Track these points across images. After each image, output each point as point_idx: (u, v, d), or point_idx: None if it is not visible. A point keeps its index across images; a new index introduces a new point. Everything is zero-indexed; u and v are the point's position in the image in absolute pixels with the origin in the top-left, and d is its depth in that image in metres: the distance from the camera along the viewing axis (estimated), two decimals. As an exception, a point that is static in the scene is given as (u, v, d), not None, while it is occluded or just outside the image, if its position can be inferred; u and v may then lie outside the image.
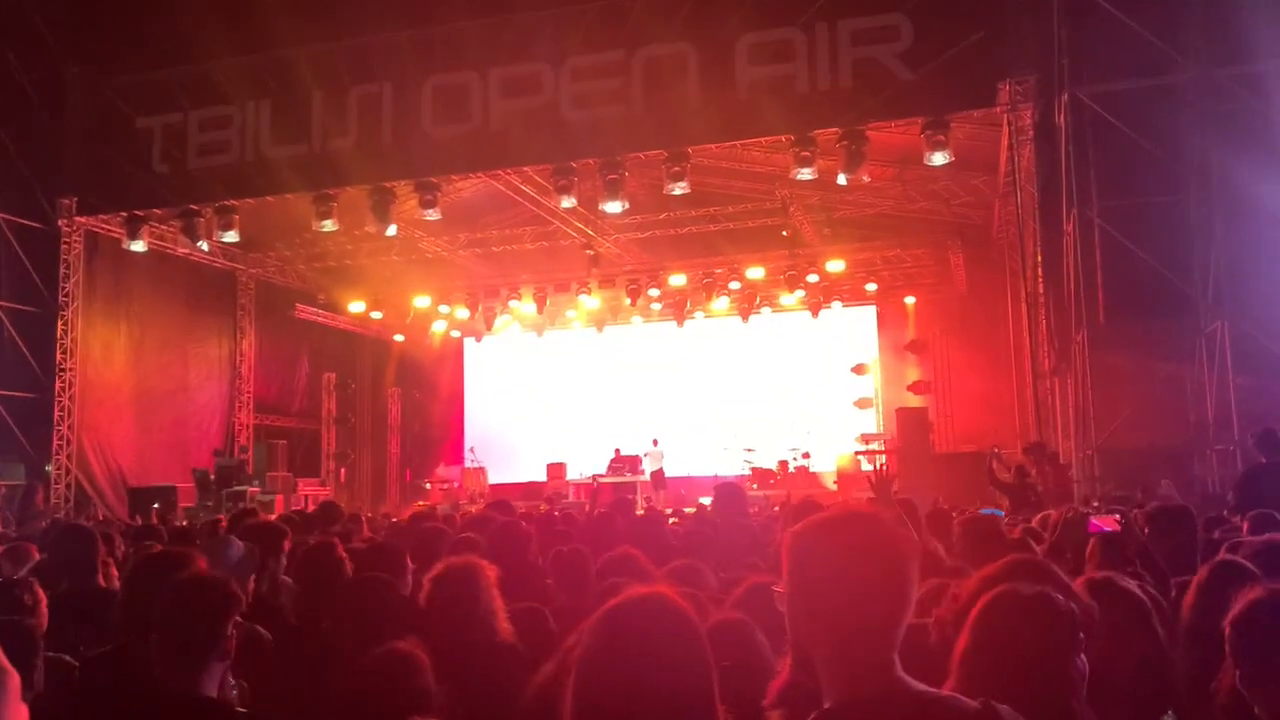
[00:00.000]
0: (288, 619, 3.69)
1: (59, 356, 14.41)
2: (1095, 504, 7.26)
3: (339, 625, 3.21)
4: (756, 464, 18.52)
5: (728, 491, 5.99)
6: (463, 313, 20.13)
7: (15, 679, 0.76)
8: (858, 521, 1.62)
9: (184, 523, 10.27)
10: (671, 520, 7.74)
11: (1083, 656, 1.84)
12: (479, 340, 21.83)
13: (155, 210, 14.29)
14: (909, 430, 16.65)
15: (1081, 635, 1.85)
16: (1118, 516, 3.16)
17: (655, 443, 18.51)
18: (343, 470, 20.73)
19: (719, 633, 2.06)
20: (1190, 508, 3.98)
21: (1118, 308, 10.65)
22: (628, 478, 17.85)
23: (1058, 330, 12.07)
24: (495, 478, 19.96)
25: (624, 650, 1.54)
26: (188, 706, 2.48)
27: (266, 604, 3.77)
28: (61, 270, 14.48)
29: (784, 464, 18.54)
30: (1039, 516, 4.95)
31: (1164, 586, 2.92)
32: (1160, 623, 2.33)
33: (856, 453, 18.34)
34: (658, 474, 18.01)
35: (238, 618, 2.64)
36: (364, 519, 8.10)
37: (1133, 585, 2.39)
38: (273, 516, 7.23)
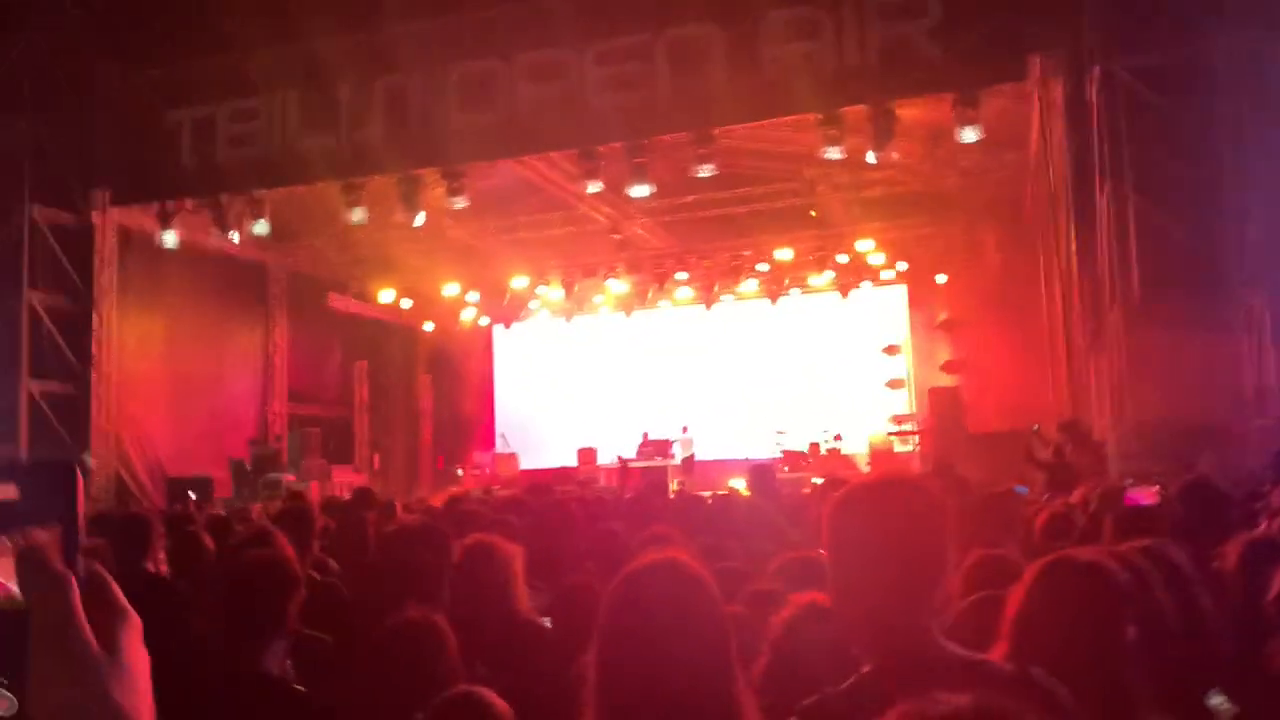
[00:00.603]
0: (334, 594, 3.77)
1: (94, 349, 14.62)
2: (1130, 480, 7.22)
3: (367, 594, 3.28)
4: (788, 446, 18.50)
5: (759, 473, 6.03)
6: (492, 299, 20.23)
7: (138, 622, 0.80)
8: (895, 488, 1.65)
9: (220, 511, 10.44)
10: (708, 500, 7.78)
11: (1132, 626, 1.85)
12: (508, 327, 21.94)
13: (186, 202, 14.45)
14: (942, 410, 16.60)
15: (1130, 604, 1.86)
16: (1156, 489, 3.15)
17: (684, 429, 18.55)
18: (376, 457, 20.91)
19: (755, 601, 2.09)
20: (1218, 483, 3.96)
21: (1153, 283, 10.52)
22: (657, 462, 17.90)
23: (1092, 307, 11.95)
24: (526, 463, 20.07)
25: (641, 612, 1.58)
26: (251, 682, 2.55)
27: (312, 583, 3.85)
28: (96, 263, 14.68)
29: (815, 446, 18.51)
30: (1077, 494, 4.94)
31: (1200, 560, 2.91)
32: (1203, 595, 2.34)
33: (889, 433, 18.31)
34: (688, 460, 18.06)
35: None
36: (398, 505, 8.20)
37: (1179, 554, 2.39)
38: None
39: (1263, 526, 3.00)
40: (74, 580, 0.77)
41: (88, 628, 0.76)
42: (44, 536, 0.78)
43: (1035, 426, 10.74)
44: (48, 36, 14.46)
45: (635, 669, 1.55)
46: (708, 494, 10.39)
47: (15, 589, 0.77)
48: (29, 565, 0.76)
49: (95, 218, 14.62)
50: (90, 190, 14.56)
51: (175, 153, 13.92)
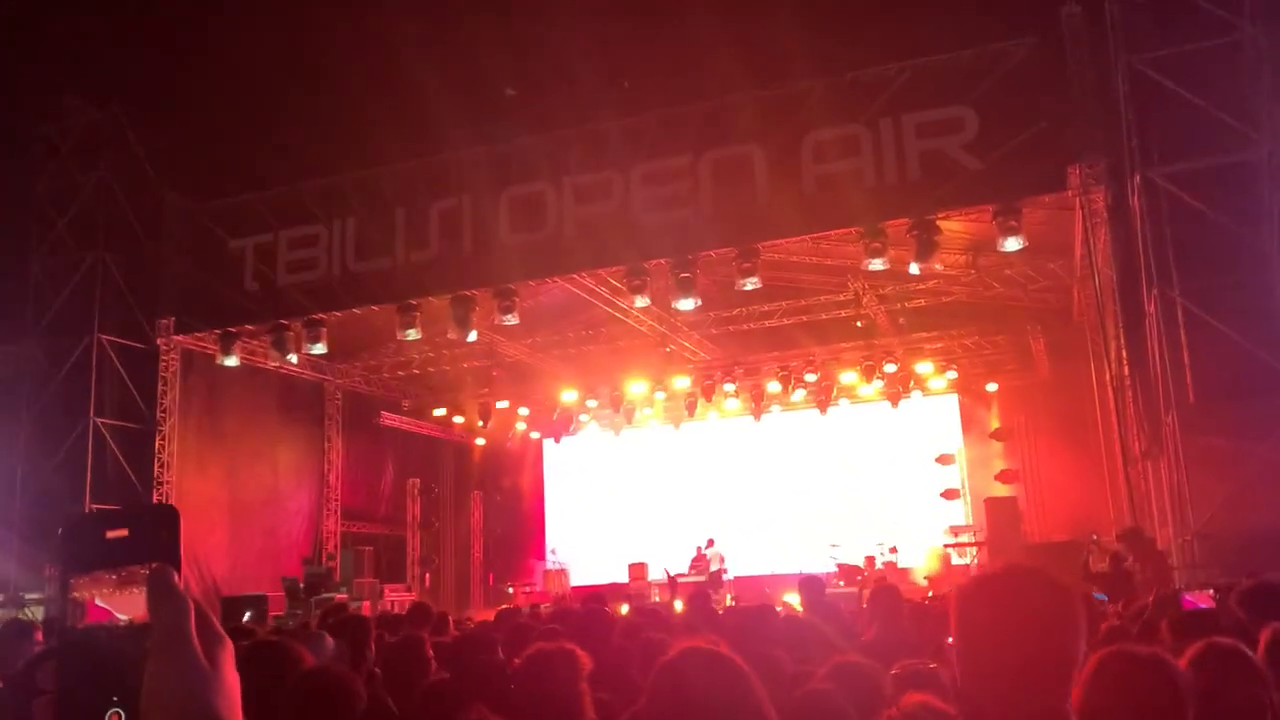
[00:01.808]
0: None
1: (157, 470, 14.95)
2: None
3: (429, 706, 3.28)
4: (842, 559, 18.19)
5: (810, 585, 5.96)
6: (542, 414, 20.41)
7: (231, 646, 0.91)
8: (1022, 575, 1.69)
9: (273, 629, 10.45)
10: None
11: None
12: (558, 442, 22.05)
13: (247, 326, 14.88)
14: (999, 521, 16.28)
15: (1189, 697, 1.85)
16: (1211, 593, 3.11)
17: (710, 543, 18.24)
18: (427, 575, 20.89)
19: (808, 700, 2.10)
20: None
21: (1207, 388, 10.40)
22: (707, 577, 17.64)
23: (1146, 413, 11.81)
24: (577, 579, 19.91)
25: (681, 698, 1.60)
26: None
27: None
28: (160, 387, 15.13)
29: (870, 559, 18.17)
30: (1137, 604, 4.83)
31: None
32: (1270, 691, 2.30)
33: (946, 545, 17.95)
34: (716, 575, 17.72)
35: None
36: (450, 619, 8.17)
37: (1240, 646, 2.36)
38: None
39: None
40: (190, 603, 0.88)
41: (198, 645, 0.87)
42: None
43: (1094, 536, 10.50)
44: (117, 174, 15.26)
45: None
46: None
47: (120, 617, 0.89)
48: (159, 584, 0.87)
49: (160, 344, 15.12)
50: (156, 318, 15.10)
51: (237, 279, 14.44)
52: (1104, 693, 1.87)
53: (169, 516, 0.93)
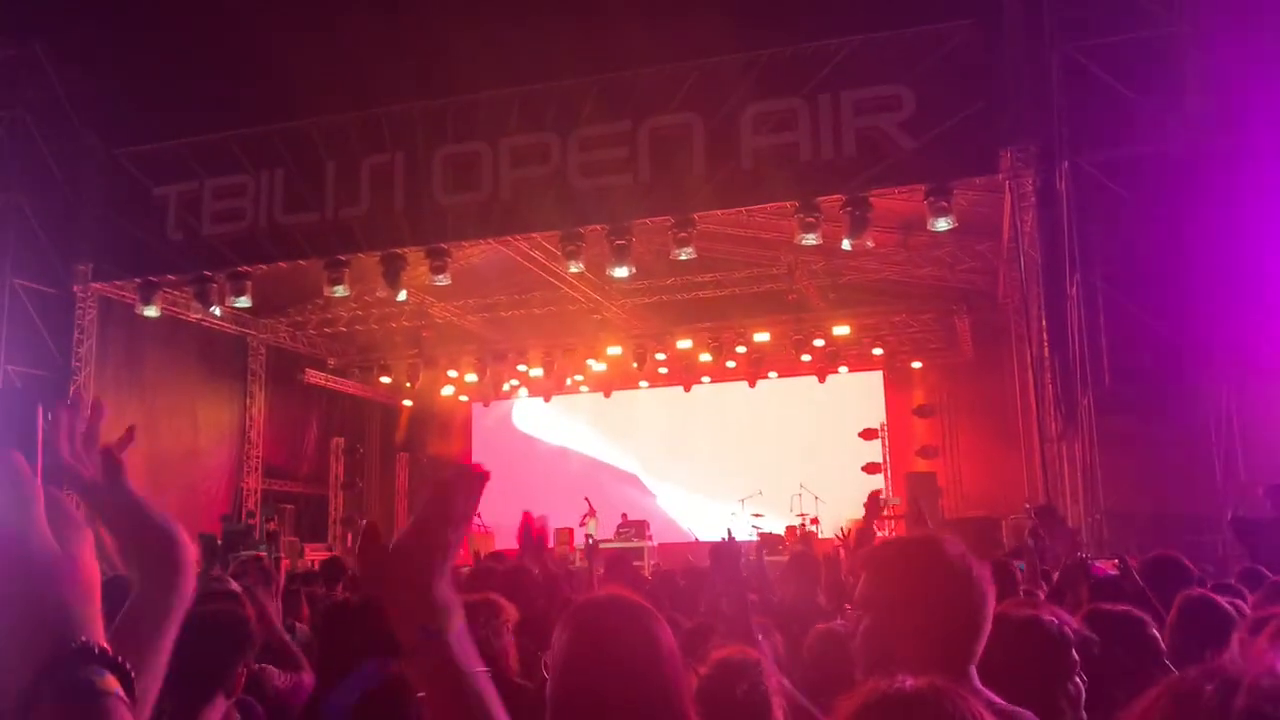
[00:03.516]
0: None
1: (70, 421, 14.50)
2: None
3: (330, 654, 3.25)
4: (764, 529, 18.42)
5: (721, 551, 6.00)
6: (471, 378, 20.25)
7: (89, 534, 0.93)
8: (930, 544, 1.71)
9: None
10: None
11: (1078, 678, 1.89)
12: (486, 406, 21.92)
13: (169, 276, 14.49)
14: (918, 495, 16.60)
15: (1076, 657, 1.91)
16: (1116, 561, 3.22)
17: (588, 502, 18.11)
18: (349, 535, 20.67)
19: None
20: (1182, 557, 4.02)
21: (1123, 372, 10.69)
22: (634, 543, 17.75)
23: (1064, 394, 12.12)
24: (502, 543, 19.87)
25: (588, 644, 1.61)
26: None
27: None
28: (76, 335, 14.67)
29: (792, 530, 18.43)
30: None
31: (1161, 627, 2.95)
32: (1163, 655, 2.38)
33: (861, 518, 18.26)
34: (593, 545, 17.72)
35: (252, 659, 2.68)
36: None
37: (1129, 608, 2.45)
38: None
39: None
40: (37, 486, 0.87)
41: (46, 527, 0.87)
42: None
43: (1025, 506, 10.83)
44: (35, 112, 14.66)
45: (585, 702, 1.57)
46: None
47: None
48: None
49: (76, 290, 14.64)
50: (73, 264, 14.61)
51: (160, 228, 14.03)
52: (996, 652, 1.93)
53: (24, 397, 0.93)
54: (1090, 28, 11.04)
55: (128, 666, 0.86)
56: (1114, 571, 3.08)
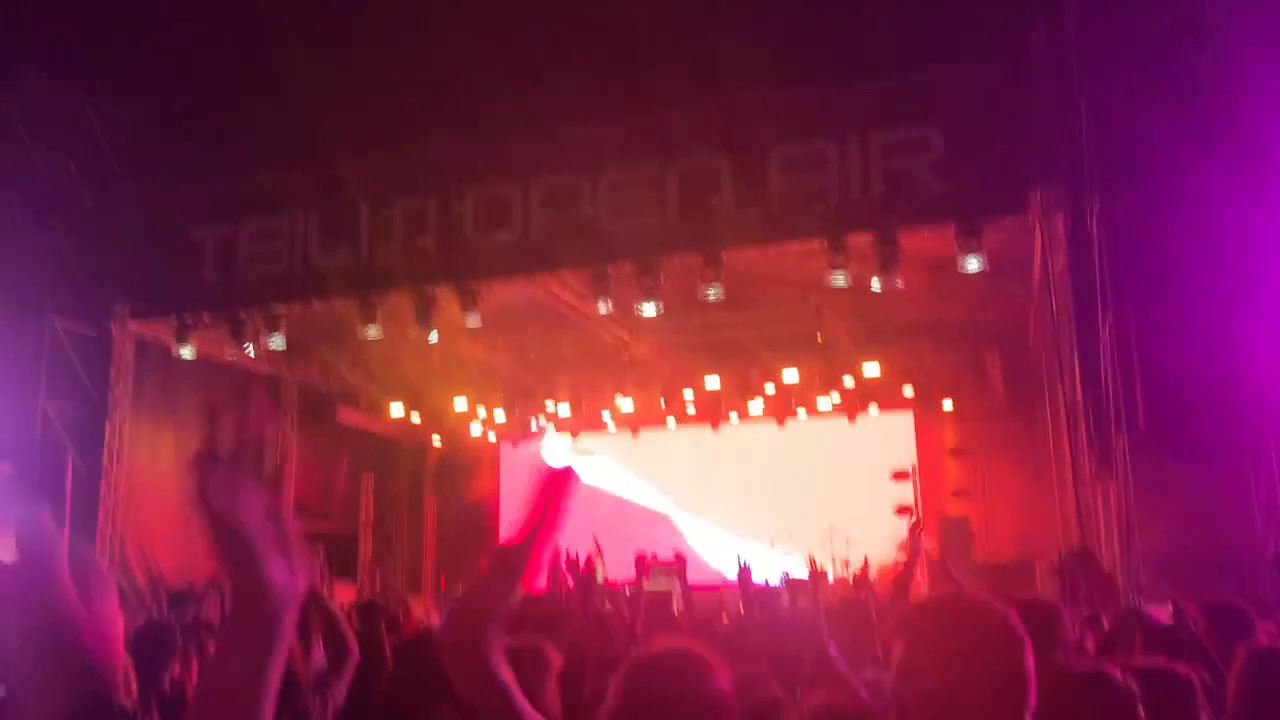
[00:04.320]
0: None
1: (105, 460, 14.62)
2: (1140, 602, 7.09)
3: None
4: (792, 573, 18.19)
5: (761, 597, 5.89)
6: (499, 417, 20.27)
7: (113, 587, 0.98)
8: (981, 612, 1.63)
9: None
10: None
11: None
12: (515, 445, 21.89)
13: (204, 316, 14.64)
14: (950, 539, 16.38)
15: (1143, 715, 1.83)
16: (1170, 608, 3.11)
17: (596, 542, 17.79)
18: (377, 574, 20.64)
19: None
20: (1245, 606, 3.88)
21: (1158, 412, 10.52)
22: (662, 585, 17.57)
23: (1098, 435, 11.93)
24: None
25: (647, 695, 1.56)
26: None
27: None
28: (112, 374, 14.81)
29: (822, 573, 18.20)
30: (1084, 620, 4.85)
31: (1218, 679, 2.84)
32: (1213, 711, 2.28)
33: (897, 561, 18.01)
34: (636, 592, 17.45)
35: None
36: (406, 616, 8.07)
37: (1184, 669, 2.35)
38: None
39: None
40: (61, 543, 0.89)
41: (69, 583, 0.89)
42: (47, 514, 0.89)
43: (1061, 550, 10.65)
44: (76, 157, 14.94)
45: None
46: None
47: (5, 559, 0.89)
48: (24, 527, 0.89)
49: (114, 330, 14.81)
50: (110, 304, 14.79)
51: (196, 268, 14.20)
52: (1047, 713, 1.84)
53: (55, 455, 0.93)
54: (1119, 66, 10.99)
55: None
56: (1169, 620, 2.96)
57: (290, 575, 1.12)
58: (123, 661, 0.84)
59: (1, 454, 14.25)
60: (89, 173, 15.06)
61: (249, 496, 1.13)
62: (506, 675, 1.03)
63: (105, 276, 14.90)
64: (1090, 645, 3.73)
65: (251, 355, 15.58)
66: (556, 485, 1.12)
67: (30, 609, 0.84)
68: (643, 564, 7.34)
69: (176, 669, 4.69)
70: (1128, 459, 10.56)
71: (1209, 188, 10.37)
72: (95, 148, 15.07)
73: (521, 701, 1.01)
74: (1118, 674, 1.99)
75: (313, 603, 4.34)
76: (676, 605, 16.10)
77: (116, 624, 0.88)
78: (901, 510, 19.37)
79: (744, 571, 6.08)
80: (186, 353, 14.67)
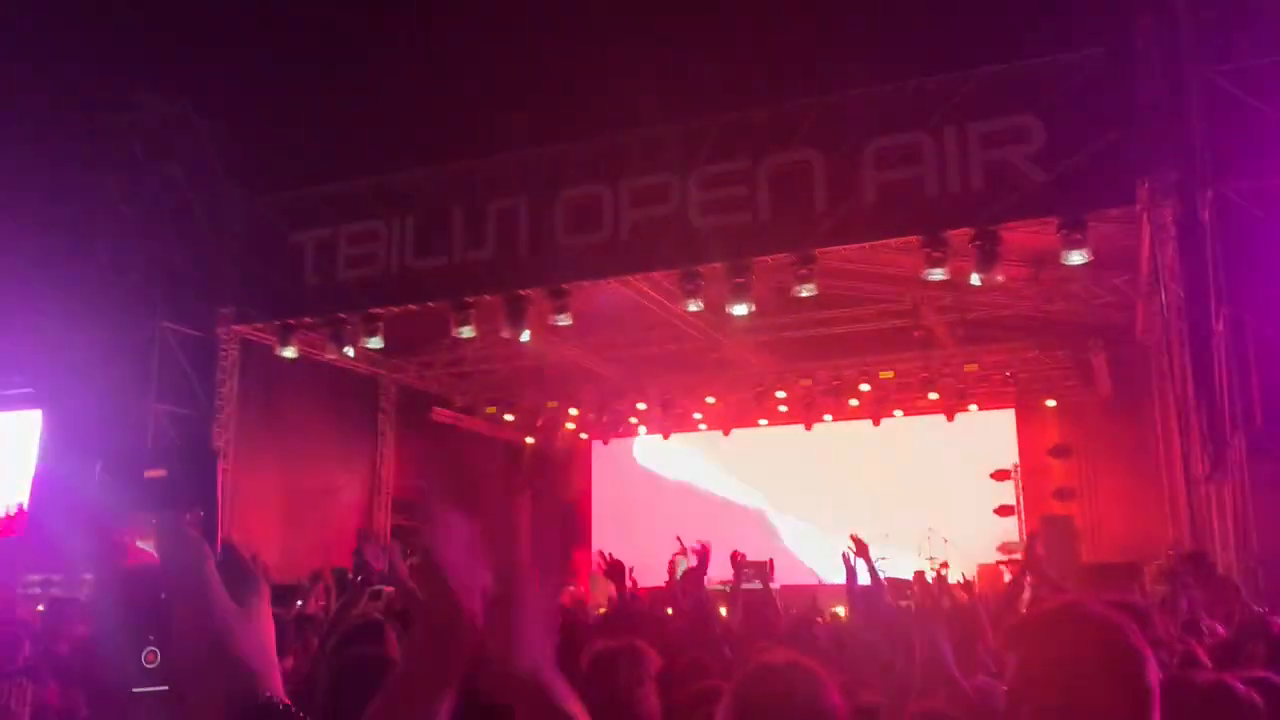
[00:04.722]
0: None
1: (213, 458, 15.14)
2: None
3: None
4: (890, 574, 17.89)
5: (867, 598, 5.80)
6: (591, 416, 20.42)
7: (265, 589, 0.96)
8: (1087, 618, 1.59)
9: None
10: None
11: None
12: (606, 444, 22.02)
13: (306, 319, 15.06)
14: (1054, 539, 15.91)
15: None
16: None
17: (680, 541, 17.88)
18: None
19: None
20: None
21: (1276, 410, 10.09)
22: (755, 585, 17.47)
23: (1211, 434, 11.48)
24: (644, 581, 19.84)
25: (758, 715, 1.55)
26: None
27: None
28: (219, 376, 15.36)
29: (920, 574, 17.85)
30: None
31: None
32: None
33: (998, 562, 17.61)
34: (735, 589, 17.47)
35: None
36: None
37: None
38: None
39: None
40: (208, 547, 0.91)
41: (221, 587, 0.90)
42: (188, 518, 0.92)
43: (1170, 551, 10.29)
44: (184, 165, 15.54)
45: None
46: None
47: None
48: (167, 533, 0.91)
49: (220, 333, 15.35)
50: (216, 308, 15.34)
51: (298, 272, 14.61)
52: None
53: (207, 458, 0.97)
54: (1230, 50, 10.56)
55: (303, 717, 0.89)
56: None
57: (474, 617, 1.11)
58: (276, 661, 0.87)
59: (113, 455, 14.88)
60: (195, 182, 15.65)
61: (459, 532, 1.12)
62: (556, 681, 1.02)
63: (211, 282, 15.47)
64: (1201, 654, 3.59)
65: (351, 356, 15.98)
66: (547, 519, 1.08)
67: (182, 613, 0.87)
68: (738, 563, 7.28)
69: (289, 662, 4.86)
70: (1243, 458, 10.14)
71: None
72: (201, 157, 15.66)
73: (562, 692, 1.00)
74: (1240, 686, 1.91)
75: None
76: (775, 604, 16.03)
77: (269, 624, 0.91)
78: (1002, 511, 18.92)
79: (850, 570, 6.00)
80: (289, 353, 15.12)
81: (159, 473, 0.94)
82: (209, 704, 0.84)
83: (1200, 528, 11.73)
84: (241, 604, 0.90)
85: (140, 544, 0.91)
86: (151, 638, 0.89)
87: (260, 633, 0.91)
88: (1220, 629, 4.68)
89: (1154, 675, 1.56)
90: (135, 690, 0.89)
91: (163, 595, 0.89)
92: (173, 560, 0.89)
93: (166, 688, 0.87)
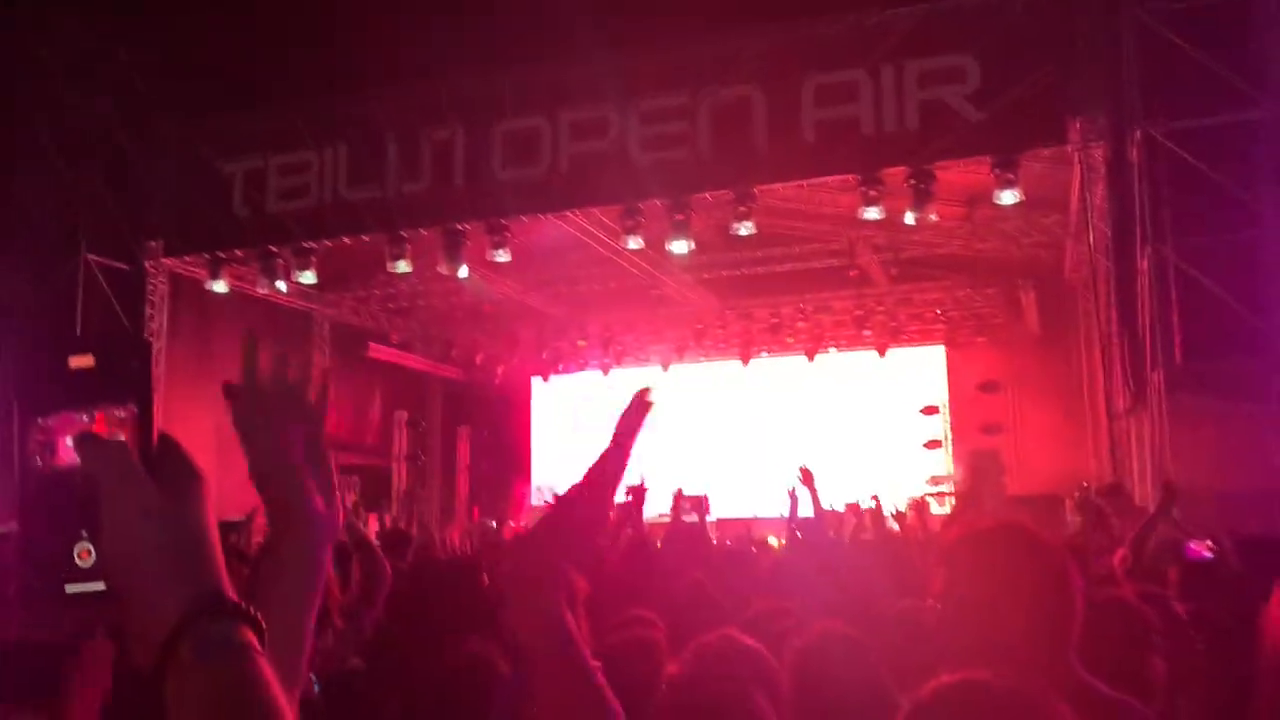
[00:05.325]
0: None
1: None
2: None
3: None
4: (824, 507, 18.26)
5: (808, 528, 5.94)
6: (531, 352, 20.37)
7: (203, 481, 0.94)
8: (1022, 534, 1.65)
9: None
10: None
11: (1159, 659, 1.85)
12: (546, 380, 22.01)
13: (236, 251, 14.72)
14: (981, 472, 16.36)
15: (1156, 638, 1.86)
16: (1208, 543, 3.11)
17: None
18: (413, 506, 20.95)
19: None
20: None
21: (1195, 347, 10.40)
22: (692, 518, 17.72)
23: (1133, 370, 11.81)
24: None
25: (817, 684, 1.61)
26: None
27: None
28: (147, 311, 14.97)
29: (854, 505, 18.26)
30: (1118, 554, 4.86)
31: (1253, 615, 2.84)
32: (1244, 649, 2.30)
33: (926, 494, 18.06)
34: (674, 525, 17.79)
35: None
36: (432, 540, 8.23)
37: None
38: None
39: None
40: (128, 443, 0.88)
41: (149, 482, 0.87)
42: (121, 414, 0.89)
43: (1084, 483, 10.62)
44: (111, 94, 14.93)
45: None
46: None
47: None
48: (85, 443, 0.88)
49: (148, 266, 14.94)
50: (144, 240, 14.90)
51: (227, 204, 14.22)
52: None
53: (139, 348, 0.93)
54: (1165, -10, 10.66)
55: (259, 618, 0.86)
56: (1208, 554, 2.96)
57: (328, 507, 1.15)
58: (219, 556, 0.85)
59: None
60: (121, 111, 15.06)
61: (290, 429, 1.16)
62: (572, 623, 1.04)
63: (138, 214, 14.99)
64: (1121, 574, 3.77)
65: (284, 291, 15.68)
66: (634, 421, 1.17)
67: (111, 510, 0.84)
68: (678, 500, 7.52)
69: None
70: (1163, 394, 10.46)
71: (1256, 120, 10.10)
72: (127, 86, 15.06)
73: (584, 654, 1.02)
74: (1131, 598, 2.02)
75: (349, 532, 4.44)
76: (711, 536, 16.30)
77: (208, 519, 0.90)
78: (930, 445, 19.36)
79: (794, 501, 6.18)
80: (219, 287, 14.79)
81: (85, 360, 0.89)
82: (149, 603, 0.82)
83: (1120, 460, 12.14)
84: (179, 500, 0.87)
85: (69, 443, 0.88)
86: (84, 534, 0.87)
87: (199, 528, 0.88)
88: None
89: (1080, 598, 1.62)
90: (70, 589, 0.87)
91: (91, 493, 0.85)
92: (93, 460, 0.86)
93: (103, 586, 0.85)
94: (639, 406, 1.09)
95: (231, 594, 0.84)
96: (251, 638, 0.84)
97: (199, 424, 15.86)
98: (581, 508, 1.16)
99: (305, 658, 1.10)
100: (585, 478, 1.20)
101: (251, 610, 0.84)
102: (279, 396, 1.16)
